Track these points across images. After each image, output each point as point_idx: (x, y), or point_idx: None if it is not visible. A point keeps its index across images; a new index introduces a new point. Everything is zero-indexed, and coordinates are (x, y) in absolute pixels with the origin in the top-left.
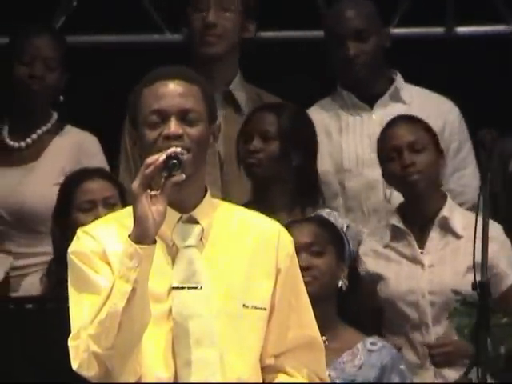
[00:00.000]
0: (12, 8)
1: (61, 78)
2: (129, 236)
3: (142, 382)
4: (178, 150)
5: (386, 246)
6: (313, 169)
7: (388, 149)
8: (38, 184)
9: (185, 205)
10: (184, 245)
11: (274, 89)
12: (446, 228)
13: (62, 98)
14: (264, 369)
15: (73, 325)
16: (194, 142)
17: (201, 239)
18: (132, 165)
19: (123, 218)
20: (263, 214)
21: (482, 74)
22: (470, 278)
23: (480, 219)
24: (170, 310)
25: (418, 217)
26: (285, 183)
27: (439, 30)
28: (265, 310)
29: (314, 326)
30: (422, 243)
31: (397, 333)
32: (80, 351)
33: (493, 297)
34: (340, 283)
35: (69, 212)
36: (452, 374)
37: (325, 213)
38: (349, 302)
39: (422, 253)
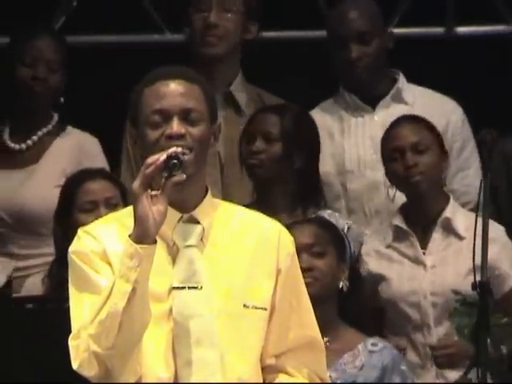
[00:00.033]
0: (12, 8)
1: (62, 79)
2: (129, 236)
3: (143, 381)
4: (179, 149)
5: (389, 247)
6: (315, 170)
7: (391, 149)
8: (38, 186)
9: (185, 205)
10: (184, 244)
11: (275, 89)
12: (449, 229)
13: (62, 99)
14: (264, 369)
15: (73, 324)
16: (197, 142)
17: (201, 239)
18: (133, 165)
19: (124, 217)
20: (264, 214)
21: (482, 73)
22: (472, 279)
23: (488, 220)
24: (171, 310)
25: (420, 217)
26: (286, 184)
27: (439, 29)
28: (265, 309)
29: (315, 326)
30: (424, 244)
31: (398, 333)
32: (80, 351)
33: (495, 298)
34: (341, 284)
35: (70, 212)
36: (454, 374)
37: (326, 214)
38: (350, 302)
39: (424, 253)
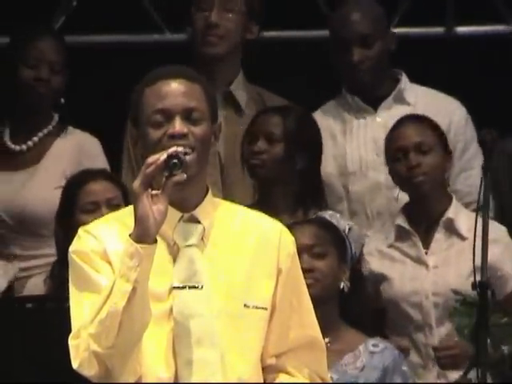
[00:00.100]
0: (12, 8)
1: (64, 80)
2: (130, 235)
3: (143, 381)
4: (179, 149)
5: (391, 246)
6: (316, 172)
7: (394, 149)
8: (39, 187)
9: (186, 204)
10: (185, 244)
11: (276, 89)
12: (451, 229)
13: (62, 100)
14: (265, 369)
15: (73, 324)
16: (199, 141)
17: (202, 239)
18: (134, 165)
19: (124, 217)
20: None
21: (482, 74)
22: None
23: (489, 220)
24: (171, 310)
25: (423, 217)
26: (288, 185)
27: (439, 29)
28: (266, 309)
29: (316, 326)
30: (426, 244)
31: (400, 333)
32: (80, 350)
33: (497, 299)
34: (342, 285)
35: (72, 213)
36: (455, 375)
37: (327, 215)
38: (351, 303)
39: (426, 253)
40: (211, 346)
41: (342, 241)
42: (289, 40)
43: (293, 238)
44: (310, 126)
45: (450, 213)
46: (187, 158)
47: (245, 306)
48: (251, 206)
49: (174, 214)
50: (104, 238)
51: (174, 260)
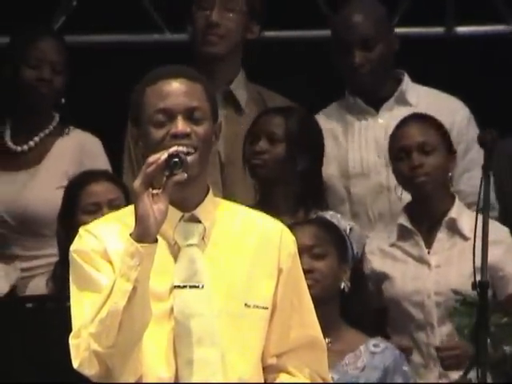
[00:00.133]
0: (12, 8)
1: (65, 80)
2: (130, 235)
3: (143, 381)
4: (180, 148)
5: (393, 245)
6: (318, 173)
7: (398, 148)
8: (41, 188)
9: (187, 204)
10: (186, 244)
11: (276, 89)
12: (454, 229)
13: (63, 100)
14: (266, 368)
15: (74, 323)
16: (201, 141)
17: (203, 238)
18: (134, 164)
19: (125, 216)
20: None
21: (482, 74)
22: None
23: (488, 220)
24: (172, 309)
25: (425, 217)
26: (289, 186)
27: (439, 29)
28: (266, 309)
29: (316, 326)
30: (429, 243)
31: (401, 333)
32: (81, 350)
33: (499, 299)
34: (342, 285)
35: (74, 214)
36: (457, 375)
37: (328, 215)
38: (352, 303)
39: (428, 253)
40: (212, 346)
41: (343, 241)
42: (288, 40)
43: (294, 238)
44: (312, 128)
45: (453, 213)
46: (189, 158)
47: (245, 305)
48: (252, 207)
49: (174, 214)
50: (105, 238)
51: (175, 259)
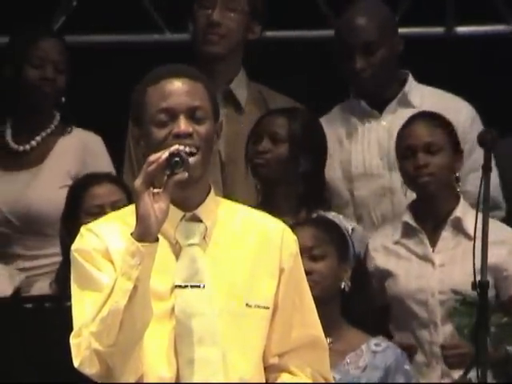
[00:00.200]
0: (12, 8)
1: (67, 79)
2: (131, 234)
3: (144, 380)
4: (181, 147)
5: (397, 243)
6: (320, 175)
7: (404, 147)
8: (44, 187)
9: (188, 203)
10: (187, 243)
11: (275, 89)
12: (459, 228)
13: (63, 99)
14: (267, 368)
15: (75, 322)
16: (203, 140)
17: (204, 238)
18: (135, 164)
19: (126, 216)
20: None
21: (482, 73)
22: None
23: (492, 220)
24: (173, 309)
25: (430, 216)
26: (291, 187)
27: (439, 29)
28: (268, 309)
29: (318, 326)
30: (433, 242)
31: (404, 331)
32: (82, 349)
33: (502, 299)
34: (343, 284)
35: (77, 216)
36: (460, 373)
37: (330, 216)
38: (357, 301)
39: (433, 251)
40: (213, 345)
41: (343, 239)
42: (288, 40)
43: (295, 238)
44: (316, 129)
45: (458, 212)
46: (191, 159)
47: (247, 305)
48: (254, 207)
49: (176, 213)
50: (106, 237)
51: (176, 259)
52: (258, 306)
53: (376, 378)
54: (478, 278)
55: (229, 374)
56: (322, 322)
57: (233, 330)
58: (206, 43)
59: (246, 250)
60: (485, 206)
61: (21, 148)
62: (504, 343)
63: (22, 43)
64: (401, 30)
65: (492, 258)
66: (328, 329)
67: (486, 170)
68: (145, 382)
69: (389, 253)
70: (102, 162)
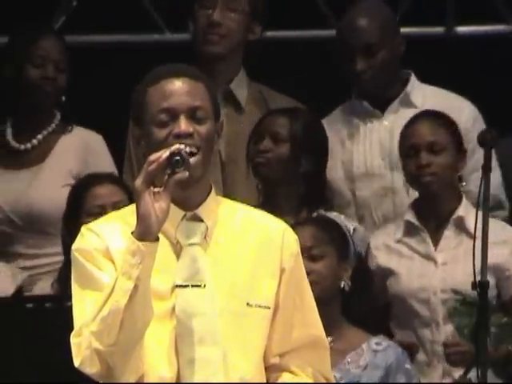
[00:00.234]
0: (12, 8)
1: (67, 78)
2: (132, 233)
3: (145, 380)
4: (182, 146)
5: (399, 241)
6: (321, 175)
7: (407, 146)
8: (46, 186)
9: (189, 203)
10: (188, 243)
11: (275, 88)
12: (461, 227)
13: (63, 98)
14: (268, 368)
15: (75, 322)
16: (204, 140)
17: (205, 237)
18: (135, 164)
19: (127, 215)
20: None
21: (482, 73)
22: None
23: (494, 220)
24: (174, 308)
25: (432, 215)
26: (292, 187)
27: (439, 29)
28: (269, 308)
29: (319, 325)
30: (435, 241)
31: (405, 330)
32: (82, 348)
33: (504, 299)
34: (342, 284)
35: (78, 216)
36: (461, 372)
37: (332, 216)
38: (354, 301)
39: (435, 250)
40: (213, 345)
41: (343, 238)
42: (288, 40)
43: (296, 237)
44: (317, 130)
45: (461, 211)
46: (192, 159)
47: (247, 304)
48: (255, 207)
49: (176, 213)
50: (106, 236)
51: (177, 258)
52: (259, 306)
53: (377, 378)
54: (479, 277)
55: (229, 374)
56: (322, 321)
57: (233, 330)
58: (207, 43)
59: (247, 249)
60: (485, 205)
61: (22, 147)
62: (504, 343)
63: (22, 42)
64: (401, 30)
65: (494, 258)
66: (328, 328)
67: (486, 169)
68: (145, 381)
69: (391, 251)
70: (104, 161)
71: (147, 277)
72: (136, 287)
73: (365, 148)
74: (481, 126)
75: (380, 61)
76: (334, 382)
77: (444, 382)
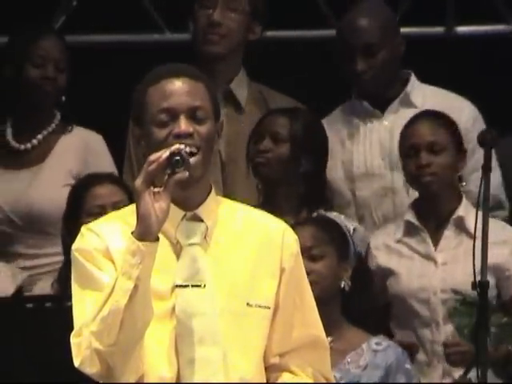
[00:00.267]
0: (12, 8)
1: (67, 78)
2: (132, 233)
3: (145, 380)
4: (182, 146)
5: (399, 241)
6: (321, 176)
7: (407, 146)
8: (46, 186)
9: (189, 202)
10: (188, 243)
11: (275, 88)
12: (461, 227)
13: (63, 98)
14: (268, 368)
15: (75, 322)
16: (204, 140)
17: (205, 237)
18: (134, 164)
19: (127, 215)
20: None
21: (482, 73)
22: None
23: (494, 220)
24: (174, 308)
25: (432, 215)
26: (292, 187)
27: (439, 29)
28: (269, 308)
29: (319, 325)
30: (435, 241)
31: (405, 330)
32: (82, 348)
33: (504, 299)
34: (342, 284)
35: (78, 216)
36: (461, 372)
37: (332, 216)
38: (354, 301)
39: (435, 250)
40: (213, 345)
41: (343, 238)
42: (288, 40)
43: (296, 237)
44: (317, 130)
45: (461, 211)
46: (192, 159)
47: (247, 304)
48: (255, 207)
49: (176, 213)
50: (106, 236)
51: (177, 258)
52: (259, 306)
53: (377, 377)
54: (479, 277)
55: (229, 374)
56: (322, 321)
57: (234, 330)
58: (207, 43)
59: (247, 249)
60: (485, 205)
61: (22, 147)
62: (504, 343)
63: (22, 42)
64: (401, 30)
65: (494, 258)
66: (328, 328)
67: (486, 169)
68: (145, 381)
69: (391, 251)
70: (104, 161)
71: (147, 277)
72: (136, 287)
73: (365, 148)
74: (481, 125)
75: (380, 61)
76: (334, 381)
77: (444, 381)
